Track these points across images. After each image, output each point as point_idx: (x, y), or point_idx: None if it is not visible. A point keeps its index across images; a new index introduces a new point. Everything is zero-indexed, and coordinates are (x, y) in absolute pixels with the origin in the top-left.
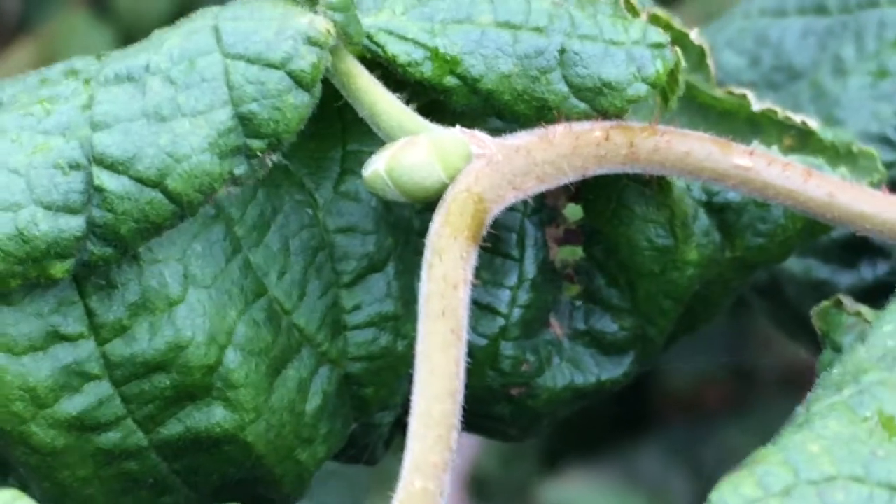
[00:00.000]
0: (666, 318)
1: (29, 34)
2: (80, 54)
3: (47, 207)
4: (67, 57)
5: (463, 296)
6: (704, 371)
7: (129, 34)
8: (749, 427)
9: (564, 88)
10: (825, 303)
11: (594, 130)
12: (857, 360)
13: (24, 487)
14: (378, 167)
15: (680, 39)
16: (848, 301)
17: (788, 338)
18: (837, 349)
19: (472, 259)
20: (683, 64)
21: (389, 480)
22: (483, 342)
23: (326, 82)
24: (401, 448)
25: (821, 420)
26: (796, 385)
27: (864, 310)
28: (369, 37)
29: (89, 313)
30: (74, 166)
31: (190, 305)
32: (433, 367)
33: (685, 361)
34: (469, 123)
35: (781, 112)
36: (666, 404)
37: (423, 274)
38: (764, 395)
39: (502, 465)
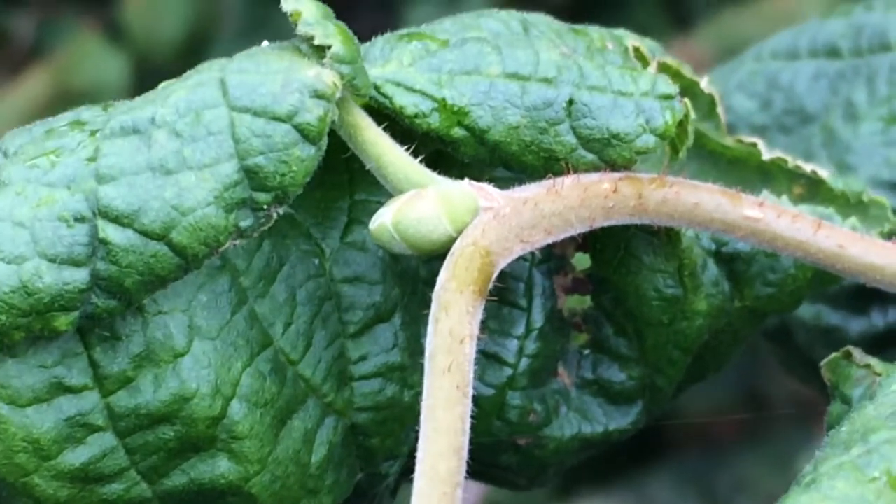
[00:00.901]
0: (675, 367)
1: (42, 60)
2: (94, 80)
3: (51, 260)
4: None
5: (469, 351)
6: (717, 399)
7: (143, 60)
8: (762, 456)
9: (573, 140)
10: (834, 354)
11: (602, 182)
12: (866, 417)
13: None
14: (385, 220)
15: (690, 88)
16: (857, 353)
17: (799, 382)
18: (847, 402)
19: (479, 313)
20: (693, 115)
21: None
22: (490, 392)
23: (333, 133)
24: (407, 497)
25: (829, 480)
26: (809, 414)
27: (874, 362)
28: (376, 88)
29: (93, 365)
30: (79, 219)
31: (195, 357)
32: (438, 425)
33: (698, 390)
34: (476, 173)
35: (791, 161)
36: (679, 432)
37: (430, 328)
38: (777, 424)
39: (515, 493)
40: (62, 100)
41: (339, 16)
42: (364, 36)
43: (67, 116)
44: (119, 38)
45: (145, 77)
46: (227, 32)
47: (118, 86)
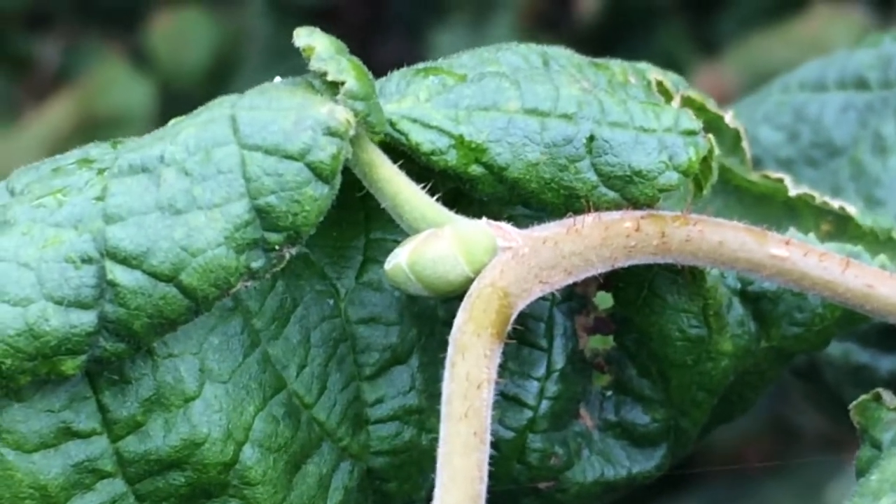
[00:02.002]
0: (700, 409)
1: (67, 85)
2: (119, 106)
3: (58, 302)
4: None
5: (486, 396)
6: (746, 428)
7: (168, 86)
8: (790, 484)
9: (593, 177)
10: (864, 397)
11: (624, 221)
12: None
13: None
14: (400, 261)
15: (714, 122)
16: (888, 395)
17: (829, 420)
18: (877, 446)
19: (497, 356)
20: (717, 150)
21: None
22: (510, 435)
23: (348, 170)
24: None
25: None
26: (837, 443)
27: None
28: (392, 124)
29: (102, 409)
30: (87, 260)
31: (206, 401)
32: (454, 473)
33: None
34: (496, 211)
35: (819, 197)
36: (707, 461)
37: (446, 372)
38: (805, 452)
39: None
40: (87, 125)
41: (367, 44)
42: (392, 63)
43: (75, 154)
44: (144, 64)
45: (171, 103)
46: (252, 58)
47: (143, 111)
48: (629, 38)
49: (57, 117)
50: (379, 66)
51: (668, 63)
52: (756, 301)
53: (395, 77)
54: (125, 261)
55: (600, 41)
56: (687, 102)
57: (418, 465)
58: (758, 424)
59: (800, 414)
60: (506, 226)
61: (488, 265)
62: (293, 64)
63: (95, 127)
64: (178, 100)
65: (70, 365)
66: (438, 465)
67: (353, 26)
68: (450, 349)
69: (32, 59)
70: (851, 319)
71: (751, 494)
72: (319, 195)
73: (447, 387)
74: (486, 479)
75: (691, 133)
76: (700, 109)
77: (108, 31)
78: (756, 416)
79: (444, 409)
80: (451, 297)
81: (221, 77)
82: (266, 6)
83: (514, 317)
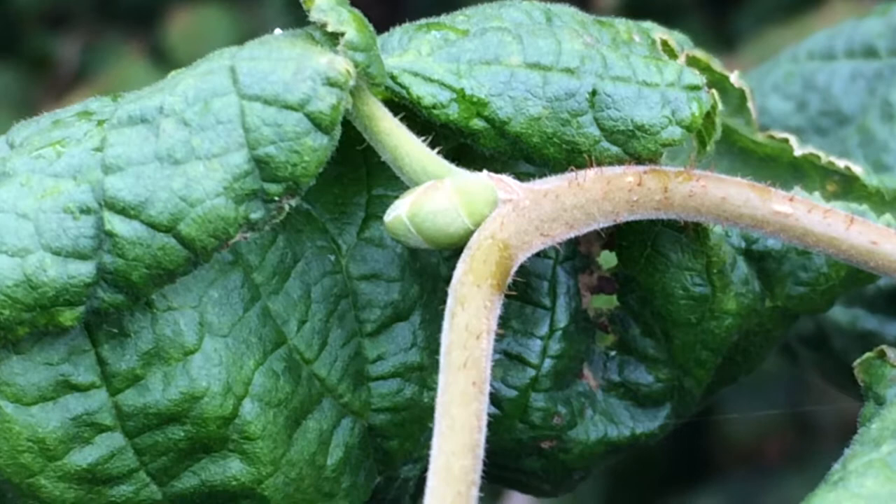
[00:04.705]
0: (703, 369)
1: (87, 83)
2: None
3: (56, 253)
4: None
5: (486, 346)
6: (763, 421)
7: None
8: (808, 478)
9: (596, 132)
10: (868, 354)
11: (626, 175)
12: None
13: None
14: (400, 213)
15: (720, 82)
16: (892, 353)
17: (836, 389)
18: (880, 402)
19: (497, 308)
20: (721, 107)
21: None
22: (512, 394)
23: (349, 125)
24: None
25: (857, 478)
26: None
27: None
28: (393, 78)
29: (101, 362)
30: (85, 210)
31: (206, 355)
32: (453, 422)
33: (744, 412)
34: (499, 168)
35: (824, 157)
36: (725, 455)
37: (445, 323)
38: (823, 445)
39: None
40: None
41: (383, 18)
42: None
43: (75, 108)
44: (163, 62)
45: None
46: None
47: None
48: None
49: None
50: None
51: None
52: (760, 260)
53: (397, 32)
54: (123, 211)
55: None
56: (692, 62)
57: (420, 422)
58: (777, 419)
59: (819, 407)
60: (507, 178)
61: (489, 217)
62: None
63: None
64: None
65: (68, 316)
66: (437, 415)
67: (372, 4)
68: (449, 300)
69: (52, 58)
70: (856, 279)
71: (769, 487)
72: (319, 146)
73: (446, 337)
74: (484, 428)
75: (695, 88)
76: (705, 69)
77: (128, 30)
78: (775, 409)
79: (443, 359)
80: (454, 253)
81: None
82: (284, 4)
83: (514, 269)
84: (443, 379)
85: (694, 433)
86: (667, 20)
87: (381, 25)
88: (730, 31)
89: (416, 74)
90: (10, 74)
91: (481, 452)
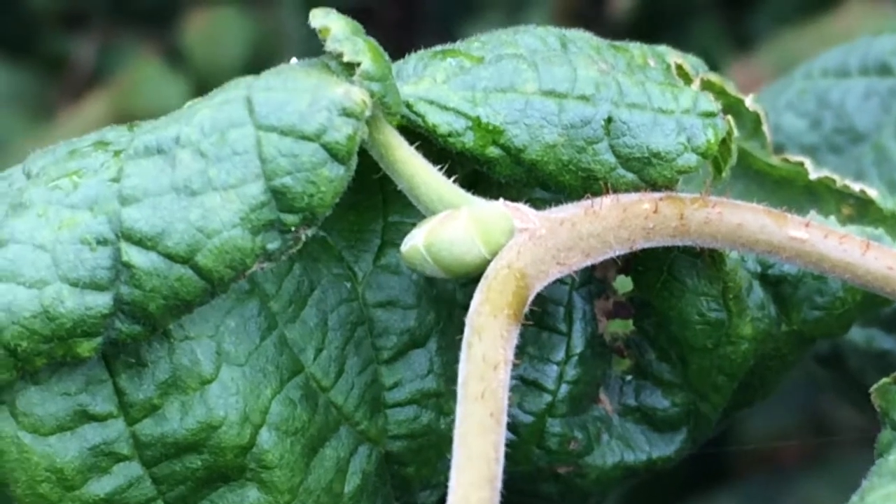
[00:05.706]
0: (720, 394)
1: (103, 84)
2: (155, 104)
3: (73, 284)
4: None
5: (503, 377)
6: (782, 424)
7: (204, 84)
8: (826, 481)
9: (612, 159)
10: (885, 380)
11: (643, 202)
12: None
13: None
14: (416, 242)
15: (735, 106)
16: None
17: (852, 407)
18: None
19: (514, 338)
20: (736, 133)
21: None
22: (529, 419)
23: (365, 153)
24: None
25: None
26: (874, 440)
27: None
28: (409, 106)
29: (119, 392)
30: (102, 242)
31: (223, 384)
32: (470, 453)
33: (762, 415)
34: (515, 194)
35: (839, 180)
36: (742, 458)
37: (462, 353)
38: (841, 449)
39: None
40: (123, 124)
41: (402, 42)
42: None
43: (91, 137)
44: (179, 63)
45: None
46: (287, 55)
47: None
48: (663, 34)
49: (92, 116)
50: None
51: (702, 60)
52: (776, 284)
53: (413, 59)
54: (140, 242)
55: (634, 38)
56: (707, 86)
57: (437, 448)
58: (794, 421)
59: (836, 409)
60: (523, 207)
61: (505, 246)
62: None
63: None
64: None
65: (86, 347)
66: (454, 446)
67: (388, 25)
68: (466, 330)
69: (68, 59)
70: (872, 303)
71: (787, 491)
72: (335, 176)
73: (463, 368)
74: (502, 460)
75: (710, 115)
76: (720, 93)
77: (144, 31)
78: (792, 412)
79: (461, 390)
80: (470, 280)
81: (256, 74)
82: (301, 5)
83: (531, 298)
84: (460, 410)
85: (711, 437)
86: (681, 21)
87: (401, 27)
88: (745, 31)
89: (431, 102)
90: (25, 75)
91: (499, 484)
